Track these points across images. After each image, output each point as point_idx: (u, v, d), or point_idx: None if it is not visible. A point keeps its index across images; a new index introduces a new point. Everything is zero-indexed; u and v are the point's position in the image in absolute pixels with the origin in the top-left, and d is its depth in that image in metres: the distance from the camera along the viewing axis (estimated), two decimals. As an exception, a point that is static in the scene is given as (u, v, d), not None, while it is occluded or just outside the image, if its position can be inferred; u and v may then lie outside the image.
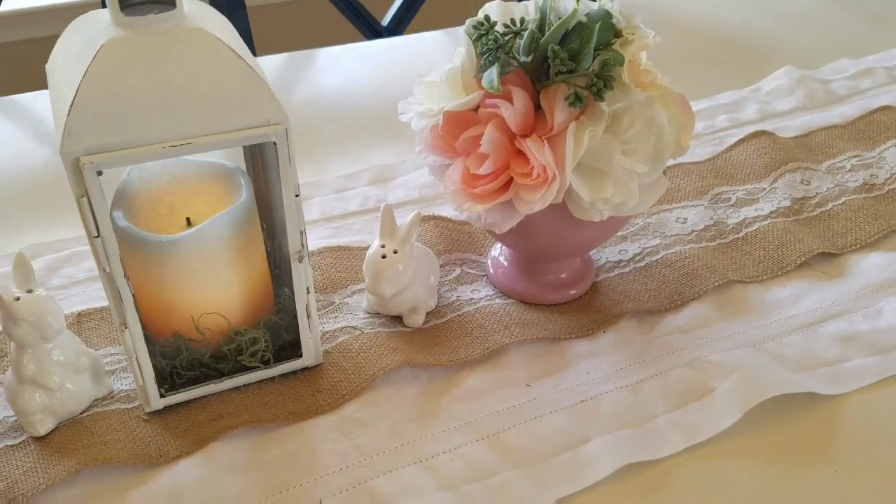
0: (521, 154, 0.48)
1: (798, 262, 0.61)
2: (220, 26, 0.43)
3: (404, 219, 0.53)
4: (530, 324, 0.55)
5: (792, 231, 0.63)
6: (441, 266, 0.60)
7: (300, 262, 0.46)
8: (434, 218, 0.64)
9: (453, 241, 0.62)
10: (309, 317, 0.49)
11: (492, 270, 0.59)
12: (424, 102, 0.51)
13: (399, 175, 0.72)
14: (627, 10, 0.48)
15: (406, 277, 0.52)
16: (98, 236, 0.41)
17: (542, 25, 0.48)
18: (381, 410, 0.49)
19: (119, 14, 0.39)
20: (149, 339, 0.46)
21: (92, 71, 0.38)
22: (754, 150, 0.73)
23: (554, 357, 0.53)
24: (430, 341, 0.54)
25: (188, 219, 0.49)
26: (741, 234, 0.64)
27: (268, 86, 0.41)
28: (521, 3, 0.51)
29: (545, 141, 0.47)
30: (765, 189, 0.69)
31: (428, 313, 0.56)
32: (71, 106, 0.38)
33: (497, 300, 0.57)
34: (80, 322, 0.55)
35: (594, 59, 0.46)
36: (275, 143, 0.42)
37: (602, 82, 0.45)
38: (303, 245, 0.46)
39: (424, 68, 0.53)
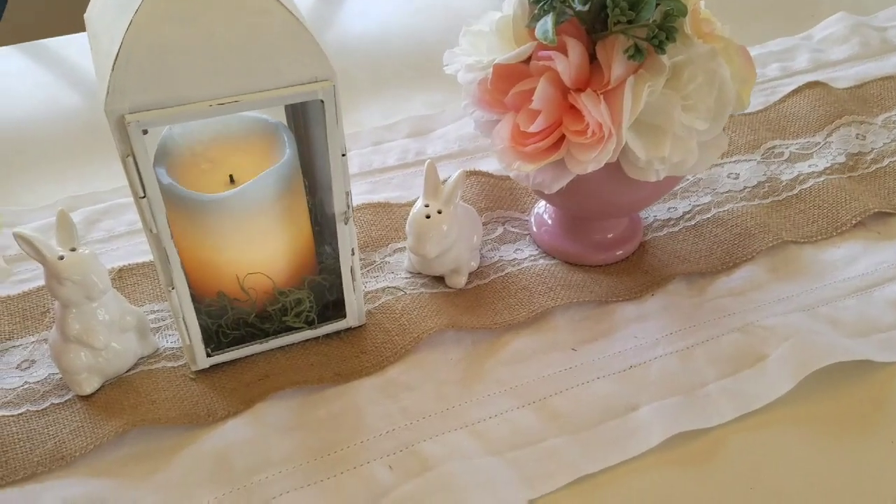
0: (574, 110, 0.46)
1: (853, 221, 0.59)
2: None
3: (445, 174, 0.52)
4: (575, 286, 0.54)
5: (847, 189, 0.61)
6: (483, 224, 0.58)
7: (346, 224, 0.45)
8: (475, 173, 0.62)
9: (495, 198, 0.61)
10: (354, 279, 0.48)
11: (535, 229, 0.58)
12: (472, 54, 0.50)
13: (438, 126, 0.70)
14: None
15: (450, 238, 0.51)
16: (144, 197, 0.40)
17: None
18: (425, 373, 0.49)
19: (161, -36, 0.38)
20: (194, 298, 0.45)
21: (136, 24, 0.36)
22: (807, 101, 0.71)
23: (600, 321, 0.52)
24: (473, 303, 0.53)
25: (231, 176, 0.48)
26: (795, 192, 0.62)
27: (315, 39, 0.39)
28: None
29: (601, 96, 0.45)
30: (819, 143, 0.67)
31: (470, 274, 0.55)
32: (115, 62, 0.36)
33: (541, 260, 0.56)
34: (122, 277, 0.54)
35: (655, 8, 0.44)
36: (322, 102, 0.40)
37: (664, 34, 0.43)
38: (348, 206, 0.45)
39: (461, 11, 0.51)
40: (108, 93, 0.37)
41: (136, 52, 0.37)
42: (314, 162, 0.49)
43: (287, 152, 0.46)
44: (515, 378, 0.49)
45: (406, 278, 0.55)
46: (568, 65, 0.45)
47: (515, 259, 0.57)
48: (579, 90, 0.46)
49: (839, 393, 0.48)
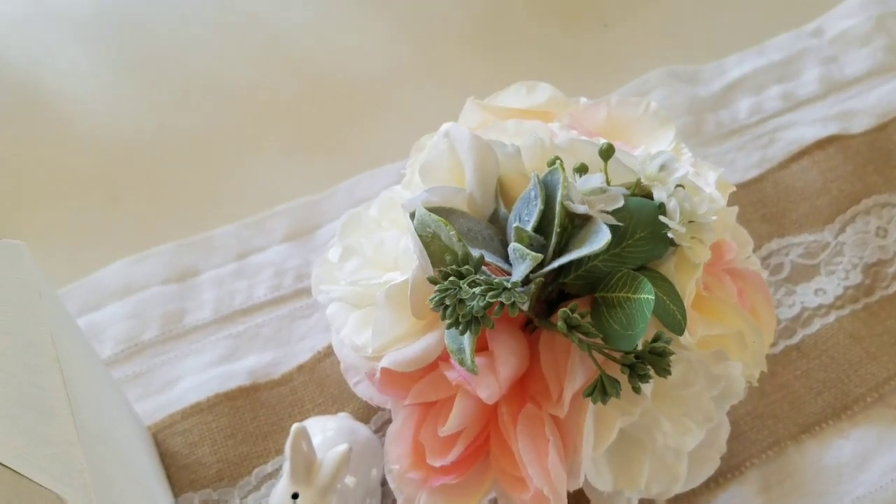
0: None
1: (868, 398, 0.47)
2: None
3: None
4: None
5: (862, 337, 0.49)
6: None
7: None
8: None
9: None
10: None
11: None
12: (350, 309, 0.34)
13: (327, 220, 0.53)
14: (692, 202, 0.30)
15: (333, 534, 0.38)
16: None
17: (545, 225, 0.30)
18: None
19: None
20: None
21: None
22: (818, 171, 0.56)
23: None
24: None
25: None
26: (796, 340, 0.49)
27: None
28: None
29: (548, 420, 0.31)
30: (829, 245, 0.53)
31: (367, 522, 0.42)
32: None
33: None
34: None
35: (642, 333, 0.28)
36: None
37: (648, 368, 0.29)
38: None
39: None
40: None
41: None
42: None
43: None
44: None
45: (278, 540, 0.42)
46: (497, 387, 0.30)
47: (428, 489, 0.44)
48: (515, 405, 0.31)
49: None
